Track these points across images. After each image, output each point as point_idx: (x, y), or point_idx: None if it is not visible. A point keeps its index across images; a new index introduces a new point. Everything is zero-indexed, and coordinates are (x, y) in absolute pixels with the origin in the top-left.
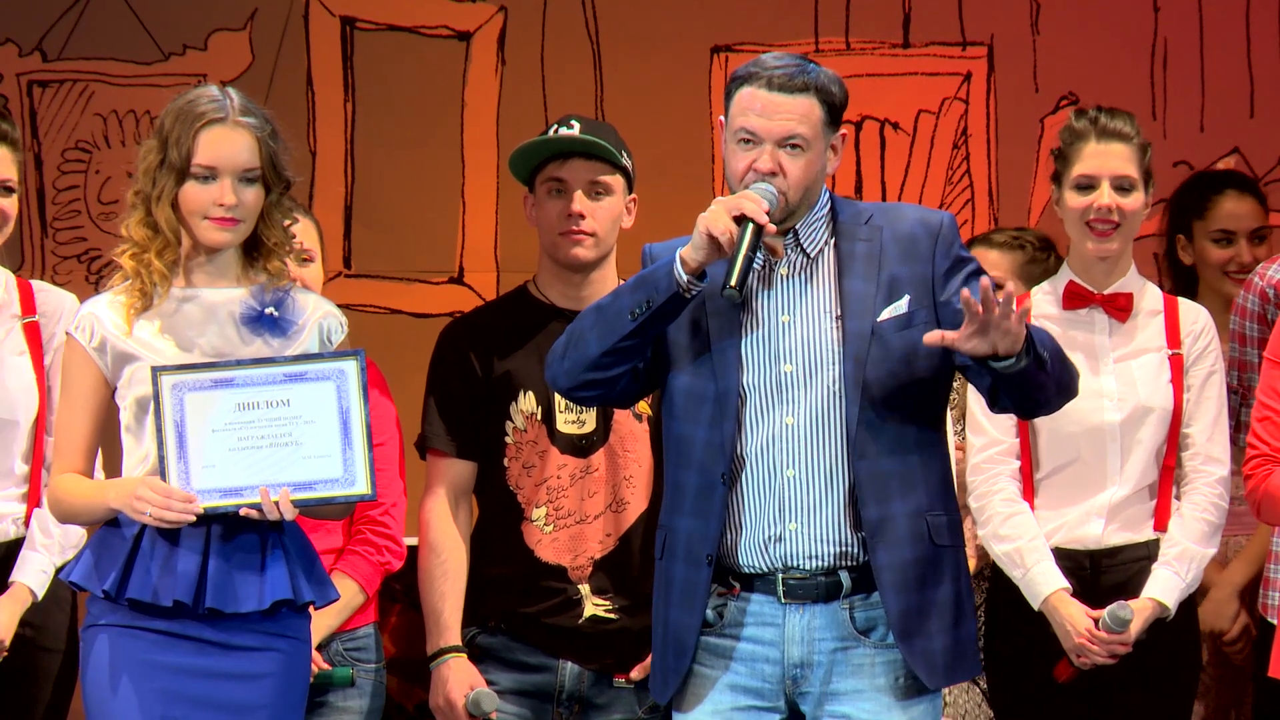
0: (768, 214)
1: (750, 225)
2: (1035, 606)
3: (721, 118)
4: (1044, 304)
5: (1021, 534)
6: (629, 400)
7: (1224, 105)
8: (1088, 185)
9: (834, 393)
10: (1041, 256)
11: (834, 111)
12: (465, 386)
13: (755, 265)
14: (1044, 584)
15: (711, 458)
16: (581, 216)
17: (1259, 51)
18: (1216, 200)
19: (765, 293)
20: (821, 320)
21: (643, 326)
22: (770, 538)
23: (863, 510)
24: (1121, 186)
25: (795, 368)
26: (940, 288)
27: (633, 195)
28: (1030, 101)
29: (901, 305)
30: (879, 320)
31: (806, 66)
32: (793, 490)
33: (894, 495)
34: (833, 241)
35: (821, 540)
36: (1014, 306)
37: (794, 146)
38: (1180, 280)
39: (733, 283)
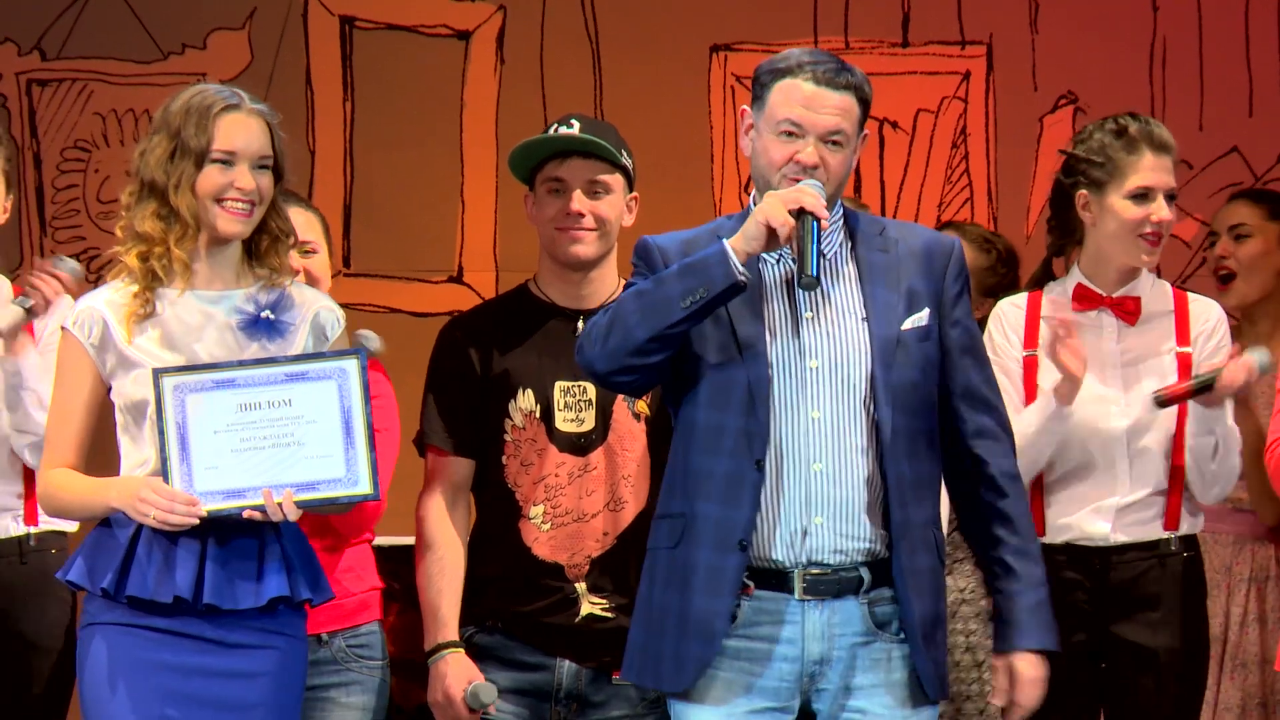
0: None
1: (810, 218)
2: (1159, 405)
3: (745, 107)
4: (1052, 305)
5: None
6: (648, 390)
7: (1223, 104)
8: (1144, 196)
9: (863, 393)
10: (1002, 270)
11: (866, 111)
12: (464, 384)
13: (781, 267)
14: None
15: (744, 445)
16: (580, 215)
17: (1258, 51)
18: None
19: (784, 288)
20: (846, 320)
21: (696, 314)
22: (797, 530)
23: (892, 512)
24: (1169, 197)
25: (820, 364)
26: (949, 308)
27: (633, 194)
28: (1029, 101)
29: (923, 317)
30: (903, 329)
31: (845, 64)
32: (820, 484)
33: (911, 501)
34: (849, 245)
35: (848, 536)
36: None
37: (835, 142)
38: None
39: (810, 271)
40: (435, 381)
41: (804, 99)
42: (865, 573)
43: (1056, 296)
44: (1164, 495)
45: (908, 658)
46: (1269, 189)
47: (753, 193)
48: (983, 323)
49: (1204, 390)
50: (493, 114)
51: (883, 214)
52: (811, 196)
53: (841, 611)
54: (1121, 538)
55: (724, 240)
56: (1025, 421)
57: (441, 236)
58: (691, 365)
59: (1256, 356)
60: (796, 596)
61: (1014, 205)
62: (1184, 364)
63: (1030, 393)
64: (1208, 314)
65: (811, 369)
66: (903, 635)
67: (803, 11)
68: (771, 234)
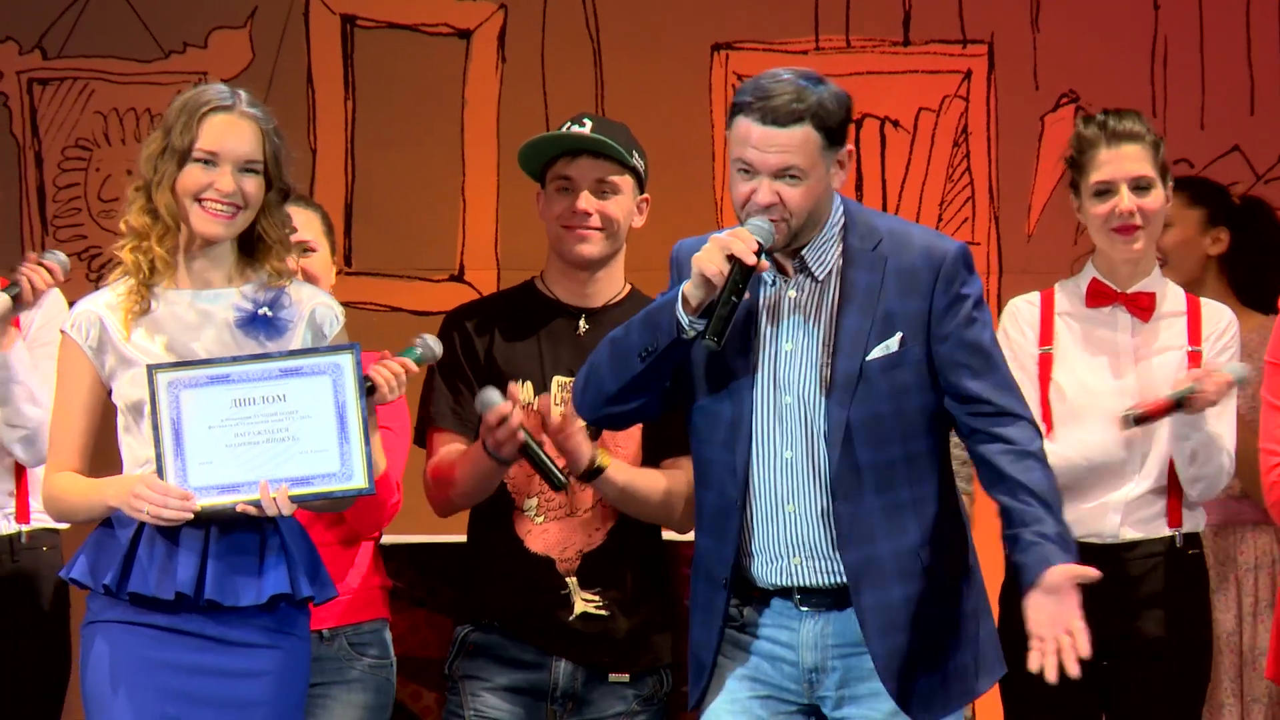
0: (759, 250)
1: (738, 266)
2: (1138, 423)
3: (727, 131)
4: (1066, 302)
5: (1052, 446)
6: (648, 421)
7: (1224, 103)
8: (1106, 191)
9: (823, 430)
10: None
11: (833, 133)
12: (468, 370)
13: (771, 293)
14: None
15: (727, 481)
16: (587, 214)
17: (1259, 49)
18: None
19: (774, 317)
20: (818, 355)
21: (653, 366)
22: (779, 568)
23: (843, 553)
24: (1139, 186)
25: (793, 400)
26: (937, 324)
27: (644, 195)
28: (1030, 99)
29: (893, 344)
30: (868, 359)
31: (803, 92)
32: (793, 525)
33: (879, 535)
34: (840, 265)
35: (826, 572)
36: None
37: (791, 177)
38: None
39: (710, 334)
40: (440, 367)
41: (753, 140)
42: None
43: (1070, 293)
44: (1165, 492)
45: None
46: (1192, 176)
47: None
48: None
49: (1178, 407)
50: (494, 113)
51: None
52: (742, 243)
53: (836, 623)
54: (1130, 534)
55: (682, 286)
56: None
57: (442, 235)
58: (690, 398)
59: (1232, 370)
60: (796, 606)
61: (1015, 204)
62: (1195, 363)
63: (1044, 389)
64: (1219, 317)
65: (786, 405)
66: None
67: (804, 10)
68: (709, 281)
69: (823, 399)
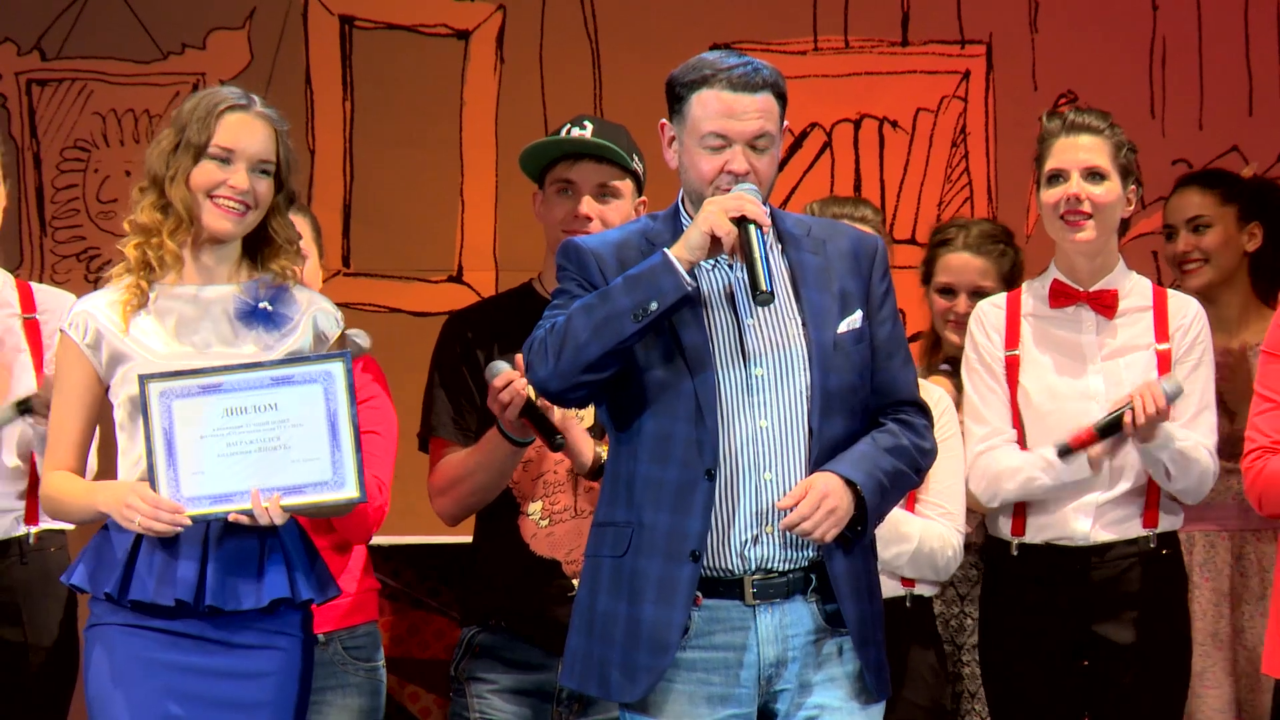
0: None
1: (753, 226)
2: (1062, 456)
3: (664, 121)
4: (1032, 303)
5: (1020, 463)
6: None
7: (1223, 103)
8: (1057, 177)
9: (805, 400)
10: (1011, 251)
11: (784, 105)
12: (468, 377)
13: (717, 274)
14: (1051, 451)
15: (693, 454)
16: (588, 219)
17: (1257, 49)
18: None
19: (723, 292)
20: (787, 327)
21: (648, 328)
22: (748, 539)
23: None
24: (1092, 175)
25: (766, 372)
26: (876, 307)
27: (642, 198)
28: (1029, 100)
29: (856, 320)
30: (839, 332)
31: (757, 63)
32: (770, 493)
33: None
34: (779, 247)
35: (795, 545)
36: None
37: (762, 147)
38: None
39: (764, 286)
40: (441, 374)
41: (724, 108)
42: (812, 573)
43: (1036, 294)
44: (1142, 493)
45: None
46: (1212, 169)
47: (679, 194)
48: None
49: (1112, 431)
50: (492, 113)
51: (882, 213)
52: (752, 203)
53: (792, 612)
54: (1102, 535)
55: (665, 250)
56: (1038, 467)
57: (441, 236)
58: (637, 374)
59: (1164, 384)
60: (746, 602)
61: (1014, 204)
62: (1164, 360)
63: (1014, 393)
64: (1185, 310)
65: (757, 377)
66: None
67: (802, 11)
68: (715, 242)
69: (803, 369)
